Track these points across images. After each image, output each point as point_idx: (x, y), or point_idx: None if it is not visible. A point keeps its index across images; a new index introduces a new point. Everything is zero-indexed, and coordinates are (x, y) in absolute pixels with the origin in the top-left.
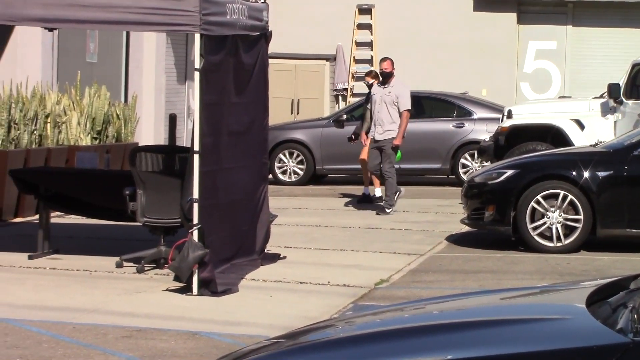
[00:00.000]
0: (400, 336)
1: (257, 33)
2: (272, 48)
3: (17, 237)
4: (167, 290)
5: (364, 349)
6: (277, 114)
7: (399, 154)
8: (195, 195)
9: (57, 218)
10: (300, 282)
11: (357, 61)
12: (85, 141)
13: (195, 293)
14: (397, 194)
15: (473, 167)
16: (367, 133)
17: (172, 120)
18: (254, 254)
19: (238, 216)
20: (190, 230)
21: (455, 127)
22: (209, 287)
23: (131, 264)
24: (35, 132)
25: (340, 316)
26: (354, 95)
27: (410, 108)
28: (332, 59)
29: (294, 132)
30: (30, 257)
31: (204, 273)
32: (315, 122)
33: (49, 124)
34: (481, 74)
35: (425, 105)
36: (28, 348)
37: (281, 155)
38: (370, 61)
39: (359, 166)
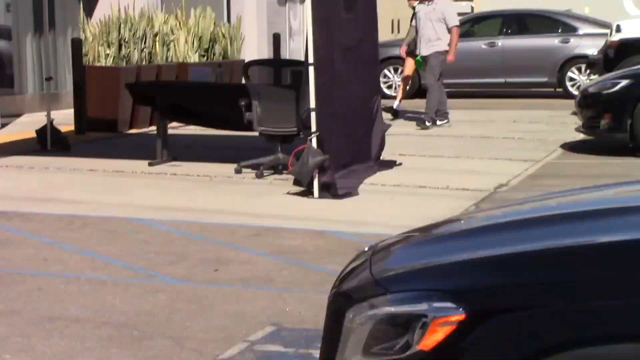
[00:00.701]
0: (552, 222)
1: None
2: None
3: (134, 146)
4: (287, 193)
5: (517, 233)
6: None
7: (418, 60)
8: (312, 105)
9: (172, 129)
10: (420, 187)
11: None
12: (194, 58)
13: (317, 196)
14: (443, 119)
15: (580, 80)
16: (409, 49)
17: (276, 39)
18: (370, 160)
19: (354, 125)
20: (309, 138)
21: (560, 43)
22: (329, 191)
23: (249, 170)
24: (144, 50)
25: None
26: None
27: (458, 24)
28: None
29: (398, 49)
30: (150, 164)
31: (324, 177)
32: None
33: (157, 43)
34: None
35: (529, 22)
36: (161, 244)
37: (386, 71)
38: None
39: (462, 80)
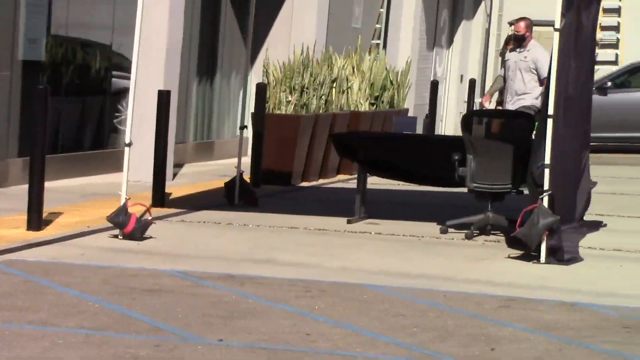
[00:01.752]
0: None
1: None
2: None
3: (317, 202)
4: (508, 257)
5: None
6: None
7: None
8: (547, 160)
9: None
10: None
11: (603, 28)
12: (365, 107)
13: (543, 261)
14: None
15: None
16: (496, 100)
17: (434, 86)
18: (574, 221)
19: (567, 182)
20: (540, 197)
21: None
22: (555, 255)
23: (452, 230)
24: (322, 97)
25: None
26: (598, 63)
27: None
28: None
29: None
30: (348, 222)
31: (552, 241)
32: None
33: (334, 89)
34: None
35: None
36: (413, 316)
37: None
38: (616, 28)
39: (624, 134)
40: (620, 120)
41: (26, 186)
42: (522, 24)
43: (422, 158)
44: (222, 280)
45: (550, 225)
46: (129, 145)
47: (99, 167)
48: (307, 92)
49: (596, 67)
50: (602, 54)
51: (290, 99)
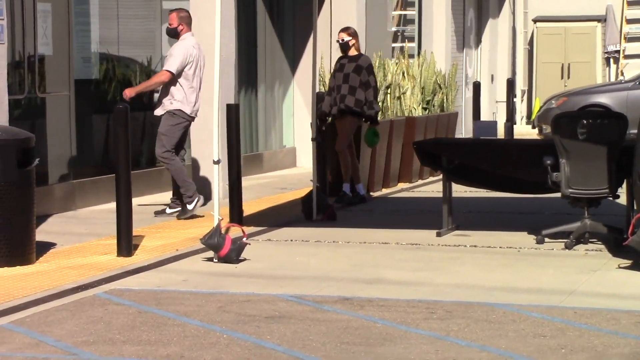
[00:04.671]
0: None
1: None
2: (540, 11)
3: (394, 212)
4: (619, 267)
5: None
6: (547, 79)
7: None
8: None
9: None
10: None
11: (629, 21)
12: (418, 111)
13: None
14: None
15: None
16: None
17: (477, 88)
18: None
19: None
20: None
21: None
22: None
23: (547, 239)
24: (379, 104)
25: None
26: (626, 57)
27: None
28: (602, 20)
29: (597, 96)
30: (438, 234)
31: None
32: (619, 85)
33: (389, 95)
34: None
35: None
36: (553, 337)
37: None
38: None
39: None
40: None
41: (94, 208)
42: None
43: (510, 163)
44: (340, 304)
45: None
46: (218, 162)
47: (157, 185)
48: None
49: (624, 61)
50: (630, 48)
51: None
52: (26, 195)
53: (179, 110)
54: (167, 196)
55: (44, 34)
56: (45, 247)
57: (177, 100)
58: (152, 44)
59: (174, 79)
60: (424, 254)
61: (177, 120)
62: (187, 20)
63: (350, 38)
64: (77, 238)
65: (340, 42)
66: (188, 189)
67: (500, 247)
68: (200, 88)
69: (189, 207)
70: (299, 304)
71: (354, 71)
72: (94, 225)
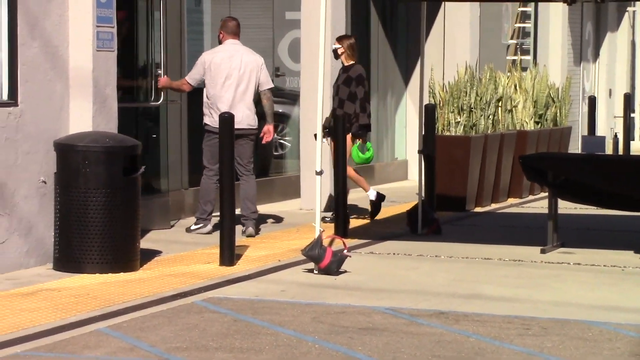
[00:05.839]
0: None
1: None
2: None
3: (501, 228)
4: None
5: None
6: None
7: None
8: None
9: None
10: None
11: None
12: (530, 125)
13: None
14: None
15: None
16: None
17: (592, 102)
18: None
19: None
20: None
21: None
22: None
23: None
24: (490, 117)
25: None
26: None
27: None
28: None
29: None
30: (542, 251)
31: None
32: None
33: (499, 108)
34: None
35: None
36: None
37: None
38: None
39: None
40: None
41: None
42: None
43: (621, 180)
44: (435, 318)
45: None
46: (320, 173)
47: (267, 195)
48: (474, 112)
49: None
50: None
51: (459, 119)
52: (131, 203)
53: (205, 124)
54: (275, 207)
55: (159, 43)
56: (150, 254)
57: (204, 114)
58: (263, 53)
59: (198, 90)
60: (525, 271)
61: (207, 135)
62: (225, 28)
63: (340, 46)
64: (182, 247)
65: (332, 50)
66: (203, 212)
67: (604, 266)
68: (245, 99)
69: (193, 227)
70: (393, 317)
71: (344, 83)
72: (201, 235)
